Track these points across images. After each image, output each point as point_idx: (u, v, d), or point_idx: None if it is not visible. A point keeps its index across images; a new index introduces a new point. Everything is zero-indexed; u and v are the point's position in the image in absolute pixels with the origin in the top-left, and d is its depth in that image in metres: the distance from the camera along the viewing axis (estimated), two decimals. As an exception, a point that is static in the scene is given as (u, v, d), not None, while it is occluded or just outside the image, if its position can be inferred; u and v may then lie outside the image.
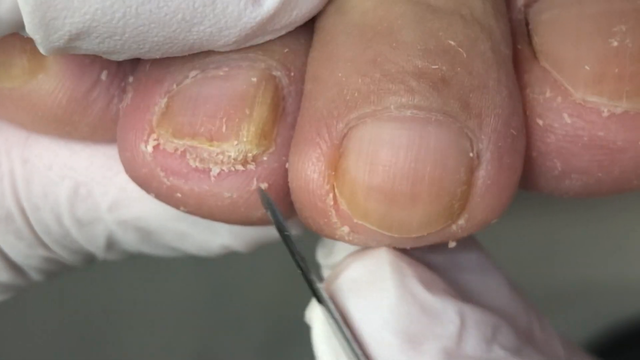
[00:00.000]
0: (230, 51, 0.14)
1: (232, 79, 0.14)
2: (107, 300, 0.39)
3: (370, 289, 0.14)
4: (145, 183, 0.14)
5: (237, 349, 0.42)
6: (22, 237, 0.17)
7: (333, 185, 0.13)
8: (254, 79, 0.14)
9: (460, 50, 0.13)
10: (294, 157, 0.13)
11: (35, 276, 0.18)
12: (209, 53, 0.14)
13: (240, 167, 0.14)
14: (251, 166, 0.14)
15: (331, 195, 0.13)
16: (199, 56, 0.14)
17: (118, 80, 0.15)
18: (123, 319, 0.40)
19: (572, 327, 0.41)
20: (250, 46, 0.14)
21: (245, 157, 0.14)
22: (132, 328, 0.40)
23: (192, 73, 0.14)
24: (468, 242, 0.16)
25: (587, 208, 0.38)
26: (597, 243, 0.40)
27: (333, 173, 0.13)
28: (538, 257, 0.41)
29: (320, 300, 0.14)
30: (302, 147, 0.13)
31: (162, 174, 0.14)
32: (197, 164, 0.14)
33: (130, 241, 0.17)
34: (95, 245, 0.17)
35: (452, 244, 0.14)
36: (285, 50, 0.14)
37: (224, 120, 0.14)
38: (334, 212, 0.13)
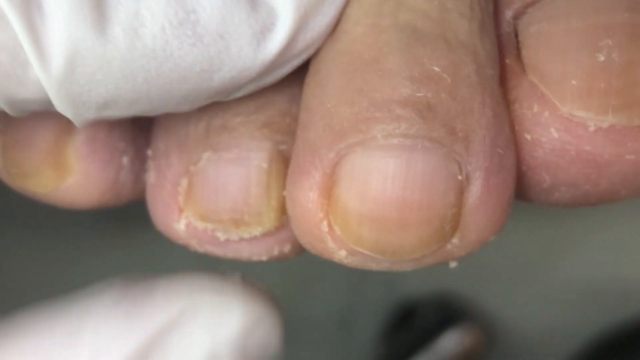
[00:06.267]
0: (239, 126, 0.14)
1: (244, 165, 0.14)
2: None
3: None
4: (183, 245, 0.15)
5: (238, 350, 0.42)
6: None
7: (327, 213, 0.13)
8: (265, 165, 0.14)
9: (445, 76, 0.13)
10: (290, 186, 0.14)
11: None
12: (218, 132, 0.14)
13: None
14: (276, 233, 0.15)
15: (325, 222, 0.13)
16: (209, 135, 0.15)
17: (139, 160, 0.16)
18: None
19: (572, 327, 0.41)
20: (256, 123, 0.14)
21: (270, 231, 0.15)
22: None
23: (206, 155, 0.15)
24: None
25: (587, 209, 0.38)
26: (597, 243, 0.40)
27: (327, 201, 0.13)
28: (538, 257, 0.41)
29: None
30: (297, 176, 0.14)
31: (197, 244, 0.15)
32: (227, 237, 0.15)
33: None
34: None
35: (453, 264, 0.14)
36: (287, 121, 0.15)
37: (244, 210, 0.14)
38: (329, 237, 0.13)
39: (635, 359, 0.40)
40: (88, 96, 0.12)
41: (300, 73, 0.15)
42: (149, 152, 0.16)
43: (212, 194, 0.14)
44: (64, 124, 0.15)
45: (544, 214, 0.39)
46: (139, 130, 0.16)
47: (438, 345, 0.41)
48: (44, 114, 0.15)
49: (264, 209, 0.14)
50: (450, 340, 0.41)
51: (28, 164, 0.15)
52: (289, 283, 0.41)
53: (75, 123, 0.13)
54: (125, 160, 0.16)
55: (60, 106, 0.12)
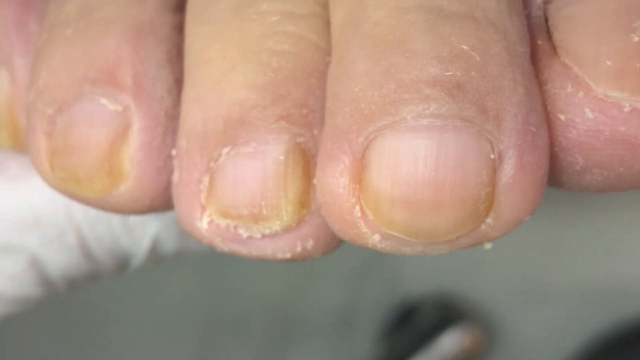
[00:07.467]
0: (255, 119, 0.14)
1: (261, 158, 0.14)
2: (107, 299, 0.39)
3: None
4: (208, 245, 0.15)
5: (237, 349, 0.42)
6: (72, 251, 0.18)
7: (359, 198, 0.13)
8: (282, 157, 0.14)
9: (474, 54, 0.13)
10: (319, 173, 0.14)
11: (63, 289, 0.19)
12: (235, 127, 0.14)
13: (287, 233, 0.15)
14: (297, 229, 0.15)
15: (358, 207, 0.13)
16: (227, 130, 0.14)
17: None
18: (122, 318, 0.40)
19: (572, 327, 0.41)
20: (272, 115, 0.14)
21: (290, 226, 0.15)
22: (131, 328, 0.40)
23: (225, 150, 0.14)
24: None
25: (587, 208, 0.39)
26: (597, 243, 0.40)
27: (358, 186, 0.13)
28: (538, 257, 0.41)
29: None
30: (327, 163, 0.13)
31: (220, 242, 0.15)
32: (249, 234, 0.15)
33: (172, 238, 0.18)
34: (140, 248, 0.18)
35: (487, 245, 0.14)
36: (304, 112, 0.14)
37: (262, 204, 0.14)
38: (362, 223, 0.13)
39: (635, 359, 0.40)
40: None
41: (317, 65, 0.15)
42: (173, 152, 0.15)
43: (232, 189, 0.14)
44: (118, 129, 0.15)
45: (544, 214, 0.39)
46: None
47: (438, 345, 0.41)
48: (95, 119, 0.15)
49: (282, 202, 0.14)
50: (450, 340, 0.41)
51: (80, 169, 0.15)
52: (289, 283, 0.41)
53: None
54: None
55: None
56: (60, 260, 0.18)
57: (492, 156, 0.13)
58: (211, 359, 0.41)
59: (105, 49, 0.15)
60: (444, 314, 0.41)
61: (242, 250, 0.15)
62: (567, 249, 0.41)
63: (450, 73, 0.13)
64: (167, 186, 0.15)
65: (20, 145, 0.17)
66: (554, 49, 0.14)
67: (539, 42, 0.14)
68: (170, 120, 0.15)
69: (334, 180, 0.13)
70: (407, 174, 0.13)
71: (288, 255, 0.15)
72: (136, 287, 0.39)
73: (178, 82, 0.15)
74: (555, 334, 0.42)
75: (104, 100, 0.15)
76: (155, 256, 0.19)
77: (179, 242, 0.18)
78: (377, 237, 0.13)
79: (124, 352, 0.40)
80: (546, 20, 0.14)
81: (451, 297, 0.42)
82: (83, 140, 0.15)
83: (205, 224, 0.15)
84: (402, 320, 0.42)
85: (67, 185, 0.15)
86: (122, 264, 0.19)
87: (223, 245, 0.15)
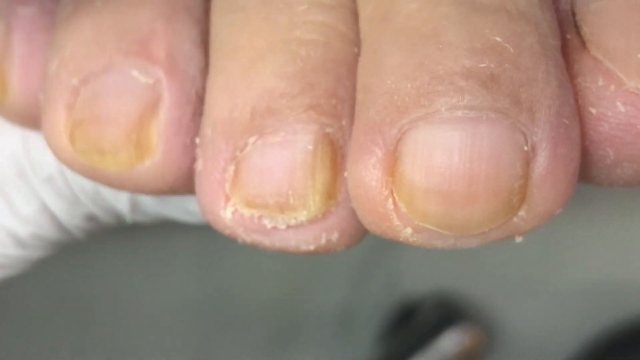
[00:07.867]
0: (284, 108, 0.14)
1: (289, 147, 0.14)
2: (106, 299, 0.39)
3: None
4: (230, 236, 0.15)
5: (237, 349, 0.42)
6: (64, 196, 0.18)
7: (392, 190, 0.13)
8: (310, 147, 0.14)
9: (507, 46, 0.13)
10: (351, 165, 0.14)
11: (78, 234, 0.19)
12: (264, 115, 0.14)
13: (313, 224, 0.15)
14: (323, 220, 0.15)
15: (391, 200, 0.13)
16: (255, 119, 0.14)
17: None
18: (122, 318, 0.40)
19: (572, 327, 0.42)
20: (301, 104, 0.14)
21: (316, 217, 0.14)
22: (131, 328, 0.40)
23: (252, 139, 0.14)
24: None
25: (588, 208, 0.39)
26: (597, 242, 0.40)
27: (391, 178, 0.13)
28: (538, 256, 0.41)
29: None
30: (359, 155, 0.13)
31: (243, 233, 0.15)
32: (273, 224, 0.14)
33: (148, 201, 0.18)
34: (122, 204, 0.18)
35: (519, 239, 0.14)
36: (333, 103, 0.14)
37: (290, 193, 0.14)
38: (395, 215, 0.13)
39: (635, 359, 0.40)
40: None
41: (346, 56, 0.14)
42: (197, 140, 0.15)
43: (258, 178, 0.14)
44: (149, 102, 0.15)
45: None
46: None
47: (438, 345, 0.41)
48: (124, 90, 0.14)
49: (309, 192, 0.14)
50: (450, 340, 0.41)
51: (106, 140, 0.15)
52: (289, 283, 0.41)
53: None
54: None
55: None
56: (59, 203, 0.18)
57: (525, 148, 0.13)
58: (211, 359, 0.41)
59: (139, 20, 0.15)
60: (444, 314, 0.41)
61: (265, 241, 0.15)
62: (568, 248, 0.41)
63: (484, 65, 0.13)
64: (192, 167, 0.15)
65: (3, 101, 0.16)
66: (583, 43, 0.14)
67: (568, 36, 0.14)
68: (200, 102, 0.15)
69: (367, 172, 0.13)
70: (441, 165, 0.13)
71: (312, 247, 0.15)
72: (136, 287, 0.39)
73: (209, 67, 0.15)
74: (555, 333, 0.42)
75: (135, 72, 0.14)
76: (141, 215, 0.19)
77: (158, 206, 0.18)
78: (409, 230, 0.13)
79: (124, 352, 0.40)
80: (573, 14, 0.14)
81: (451, 297, 0.42)
82: (111, 111, 0.15)
83: (229, 213, 0.14)
84: (402, 320, 0.42)
85: (88, 157, 0.15)
86: (113, 215, 0.19)
87: (246, 236, 0.15)
